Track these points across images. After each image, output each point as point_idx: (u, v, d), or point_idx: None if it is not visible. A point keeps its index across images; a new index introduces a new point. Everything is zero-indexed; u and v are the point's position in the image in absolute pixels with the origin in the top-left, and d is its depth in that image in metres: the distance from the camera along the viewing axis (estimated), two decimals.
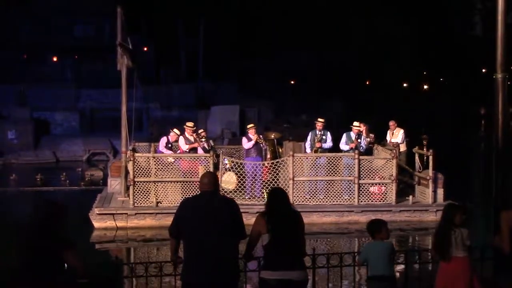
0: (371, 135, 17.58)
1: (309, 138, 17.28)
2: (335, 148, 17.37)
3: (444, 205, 15.99)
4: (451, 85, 61.68)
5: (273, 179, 16.09)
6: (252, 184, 16.55)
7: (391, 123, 18.43)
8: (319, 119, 17.42)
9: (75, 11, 43.96)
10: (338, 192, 16.28)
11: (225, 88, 42.31)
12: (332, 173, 16.20)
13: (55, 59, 44.50)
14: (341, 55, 50.60)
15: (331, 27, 50.63)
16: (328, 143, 17.15)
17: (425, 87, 64.40)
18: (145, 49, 47.66)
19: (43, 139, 34.80)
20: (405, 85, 61.60)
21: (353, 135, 17.04)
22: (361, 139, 16.95)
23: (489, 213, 9.07)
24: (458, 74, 60.00)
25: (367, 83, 56.24)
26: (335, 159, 16.26)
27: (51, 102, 37.61)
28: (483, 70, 55.57)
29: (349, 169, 16.29)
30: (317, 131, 17.13)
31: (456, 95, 58.09)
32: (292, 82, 51.32)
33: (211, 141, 17.33)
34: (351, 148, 16.72)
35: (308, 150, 17.11)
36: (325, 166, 16.25)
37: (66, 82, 41.24)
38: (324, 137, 17.10)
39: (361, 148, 16.79)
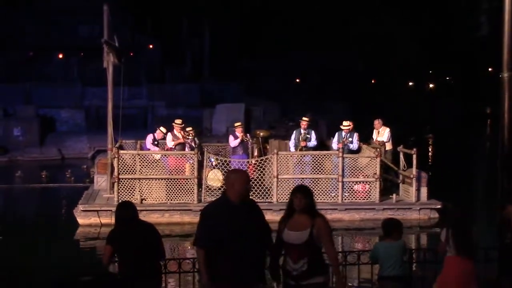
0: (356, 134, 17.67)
1: (293, 137, 17.42)
2: (320, 146, 17.50)
3: (426, 203, 16.31)
4: (457, 84, 61.42)
5: (258, 177, 16.22)
6: None
7: (376, 121, 18.48)
8: (304, 118, 17.58)
9: (79, 11, 44.25)
10: (323, 190, 16.36)
11: (230, 87, 42.37)
12: (317, 171, 16.32)
13: (60, 57, 44.89)
14: (346, 55, 50.57)
15: (336, 27, 50.60)
16: (313, 142, 17.30)
17: (431, 86, 64.17)
18: (151, 47, 47.97)
19: (49, 136, 34.99)
20: (410, 84, 61.44)
21: (344, 134, 17.19)
22: (352, 138, 17.09)
23: (490, 213, 8.99)
24: (464, 74, 59.73)
25: (373, 81, 56.15)
26: (320, 157, 16.40)
27: (56, 100, 37.81)
28: (489, 69, 55.22)
29: (336, 168, 16.41)
30: (302, 130, 17.26)
31: (462, 94, 57.86)
32: (298, 81, 51.37)
33: (196, 139, 17.52)
34: (338, 148, 16.85)
35: (292, 149, 17.22)
36: (310, 164, 16.38)
37: (72, 80, 41.57)
38: (308, 136, 17.24)
39: (351, 146, 16.97)
